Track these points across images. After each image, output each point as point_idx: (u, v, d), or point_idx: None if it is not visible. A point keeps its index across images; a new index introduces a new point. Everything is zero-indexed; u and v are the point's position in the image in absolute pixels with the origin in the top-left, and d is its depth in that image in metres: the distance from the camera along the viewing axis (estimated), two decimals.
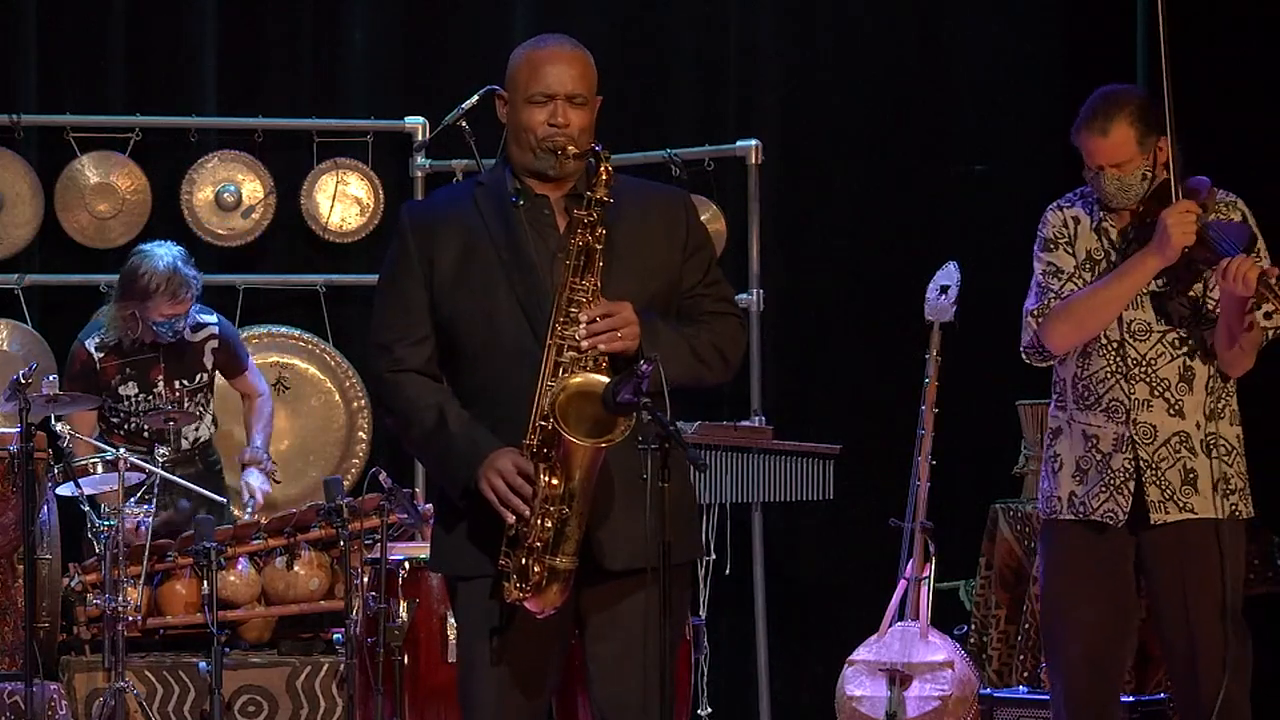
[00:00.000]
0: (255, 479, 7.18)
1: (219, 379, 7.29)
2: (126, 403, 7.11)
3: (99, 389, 7.07)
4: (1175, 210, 4.92)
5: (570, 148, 4.09)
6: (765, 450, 7.25)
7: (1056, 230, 5.15)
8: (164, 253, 7.06)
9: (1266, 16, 7.20)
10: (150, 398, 7.12)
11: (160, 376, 7.13)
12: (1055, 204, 5.20)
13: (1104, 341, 5.07)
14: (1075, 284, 5.09)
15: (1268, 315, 4.94)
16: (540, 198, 4.15)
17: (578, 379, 3.98)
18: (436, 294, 4.14)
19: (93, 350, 7.11)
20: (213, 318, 7.25)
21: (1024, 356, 5.21)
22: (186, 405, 7.15)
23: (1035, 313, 5.13)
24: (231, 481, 7.46)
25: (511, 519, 3.99)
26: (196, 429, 7.23)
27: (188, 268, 7.03)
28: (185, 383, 7.16)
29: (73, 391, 6.99)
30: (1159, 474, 5.03)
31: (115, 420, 7.14)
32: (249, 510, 7.12)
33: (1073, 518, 5.10)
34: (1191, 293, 5.04)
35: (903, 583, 6.48)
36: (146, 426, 7.08)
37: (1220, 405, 5.07)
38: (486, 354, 4.10)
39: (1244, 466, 5.11)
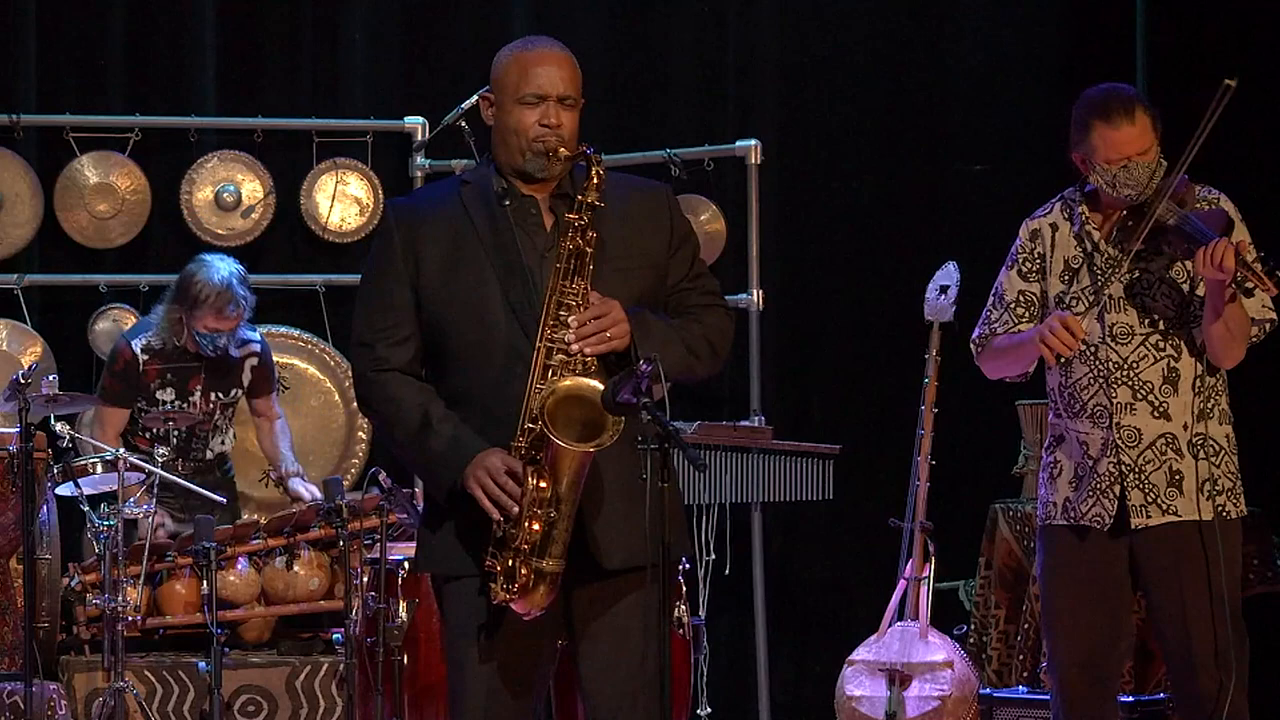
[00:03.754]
0: (303, 486, 7.30)
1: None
2: (161, 406, 7.14)
3: (138, 390, 7.13)
4: (1050, 326, 4.93)
5: (561, 150, 4.07)
6: (765, 450, 7.25)
7: (1020, 246, 5.18)
8: (222, 267, 7.12)
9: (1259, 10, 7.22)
10: (184, 405, 7.16)
11: (199, 387, 7.17)
12: (1031, 215, 5.21)
13: (1084, 349, 5.07)
14: (1012, 315, 5.13)
15: (1246, 292, 4.89)
16: (527, 198, 4.14)
17: (567, 382, 3.97)
18: (422, 293, 4.13)
19: (138, 351, 7.16)
20: (257, 336, 7.33)
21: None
22: (216, 417, 7.19)
23: (975, 341, 5.25)
24: (244, 489, 7.55)
25: (499, 518, 3.99)
26: (222, 442, 7.30)
27: (241, 287, 7.08)
28: (220, 395, 7.22)
29: (115, 387, 7.12)
30: (1143, 477, 5.03)
31: (141, 421, 7.16)
32: (309, 502, 7.18)
33: (1065, 523, 5.11)
34: (1177, 290, 5.03)
35: (902, 583, 6.48)
36: (174, 433, 7.11)
37: (1209, 405, 5.05)
38: (476, 355, 4.09)
39: (1235, 466, 5.09)
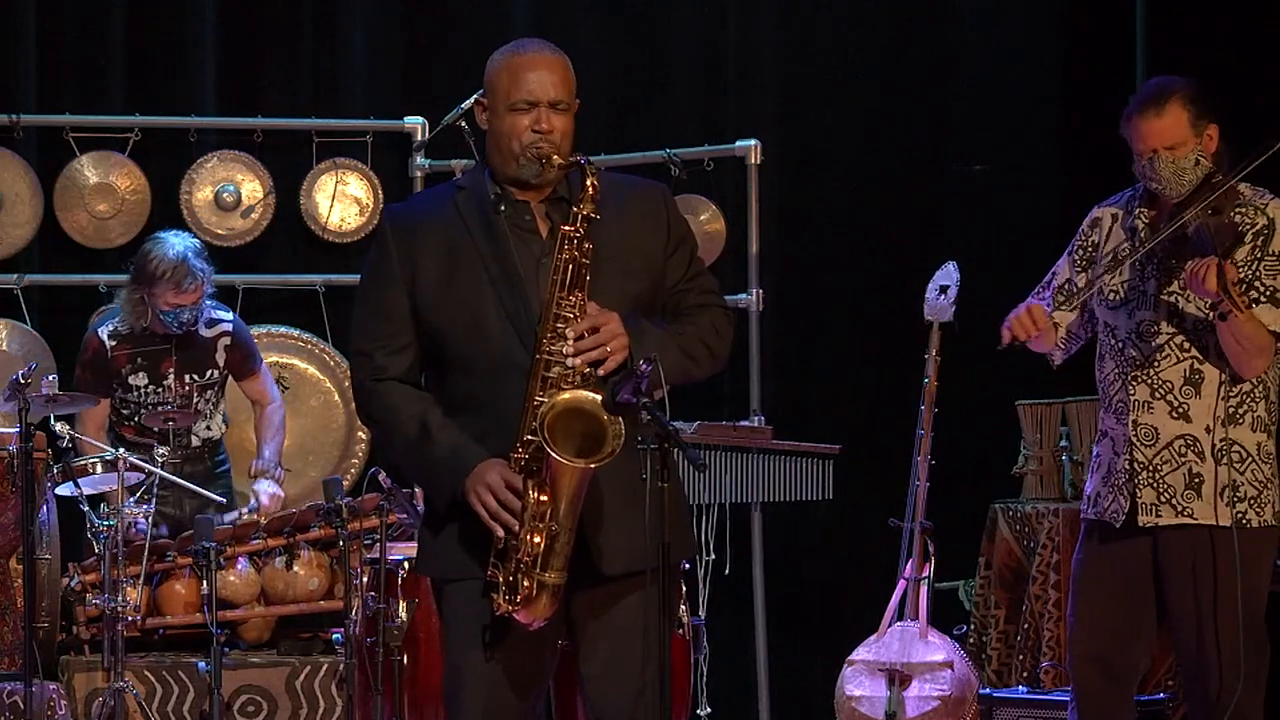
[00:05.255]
0: (266, 487, 7.17)
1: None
2: (136, 393, 7.11)
3: (109, 377, 7.09)
4: (1018, 310, 5.07)
5: (555, 157, 4.04)
6: (765, 450, 7.25)
7: (1080, 232, 5.22)
8: (177, 242, 7.07)
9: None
10: (160, 390, 7.12)
11: (171, 369, 7.12)
12: (1103, 201, 5.22)
13: (1113, 343, 5.08)
14: (1054, 299, 5.18)
15: (1221, 315, 4.87)
16: (521, 203, 4.12)
17: (566, 396, 3.95)
18: (420, 301, 4.10)
19: (105, 338, 7.11)
20: (228, 315, 7.25)
21: None
22: (195, 400, 7.15)
23: None
24: (240, 486, 7.45)
25: (501, 533, 3.97)
26: (207, 428, 7.23)
27: (198, 260, 7.02)
28: (195, 377, 7.15)
29: (84, 377, 7.05)
30: (1157, 476, 5.02)
31: (125, 412, 7.14)
32: (249, 511, 7.09)
33: (1094, 517, 5.13)
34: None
35: (902, 583, 6.48)
36: (154, 426, 7.07)
37: (1240, 411, 5.01)
38: (474, 364, 4.07)
39: (1264, 474, 5.03)
